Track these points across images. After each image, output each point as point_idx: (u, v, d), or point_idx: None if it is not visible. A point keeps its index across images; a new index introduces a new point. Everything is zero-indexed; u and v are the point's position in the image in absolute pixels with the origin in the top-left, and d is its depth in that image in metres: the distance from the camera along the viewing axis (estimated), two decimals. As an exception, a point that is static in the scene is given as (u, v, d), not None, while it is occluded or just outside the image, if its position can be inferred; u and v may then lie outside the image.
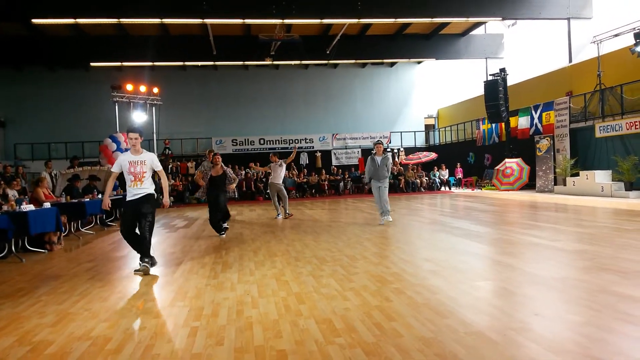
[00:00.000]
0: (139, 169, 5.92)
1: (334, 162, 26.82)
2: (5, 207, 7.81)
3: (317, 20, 20.02)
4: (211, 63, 25.14)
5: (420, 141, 29.62)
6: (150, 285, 5.44)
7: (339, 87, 29.19)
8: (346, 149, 27.54)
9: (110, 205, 6.05)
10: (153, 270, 6.04)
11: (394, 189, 21.74)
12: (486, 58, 26.59)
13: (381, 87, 29.65)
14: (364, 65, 28.96)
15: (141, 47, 22.20)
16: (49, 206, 8.50)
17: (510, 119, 20.76)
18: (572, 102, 18.04)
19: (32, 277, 6.00)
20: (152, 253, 6.09)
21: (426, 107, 30.41)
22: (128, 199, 5.98)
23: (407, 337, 3.35)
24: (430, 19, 20.65)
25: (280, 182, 12.34)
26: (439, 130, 29.75)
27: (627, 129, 15.32)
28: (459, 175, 23.99)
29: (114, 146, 18.29)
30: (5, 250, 7.48)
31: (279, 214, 12.60)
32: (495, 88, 20.27)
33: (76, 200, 10.50)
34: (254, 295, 4.65)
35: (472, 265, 5.74)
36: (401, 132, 28.81)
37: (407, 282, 4.89)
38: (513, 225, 9.25)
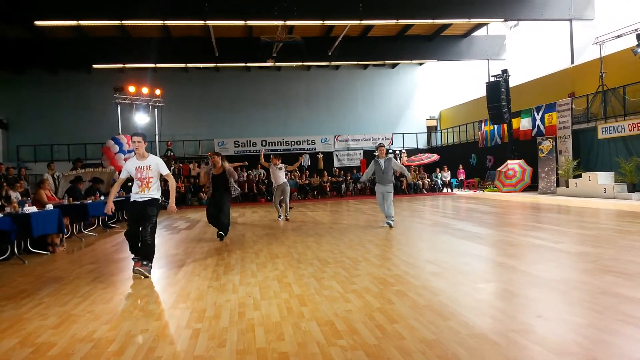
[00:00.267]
0: (145, 174, 5.95)
1: (336, 163, 26.83)
2: (7, 209, 7.84)
3: (319, 22, 20.05)
4: (213, 65, 25.19)
5: (422, 143, 29.60)
6: (152, 287, 5.45)
7: (340, 89, 29.20)
8: (348, 150, 27.54)
9: (113, 209, 6.04)
10: (155, 272, 6.07)
11: (395, 190, 21.69)
12: (488, 59, 26.56)
13: (383, 89, 29.64)
14: (365, 66, 28.97)
15: (143, 49, 22.24)
16: (52, 208, 8.52)
17: (512, 120, 20.74)
18: (574, 104, 18.01)
19: (35, 278, 6.01)
20: (156, 254, 6.17)
21: (428, 109, 30.39)
22: (132, 199, 6.03)
23: (409, 339, 3.35)
24: (432, 20, 20.65)
25: (283, 181, 12.37)
26: (441, 132, 29.72)
27: (630, 130, 15.29)
28: (461, 176, 23.97)
29: (117, 148, 18.33)
30: (8, 252, 7.48)
31: (280, 216, 12.63)
32: (498, 89, 20.26)
33: (78, 202, 10.51)
34: (256, 297, 4.65)
35: (474, 267, 5.73)
36: (403, 133, 28.80)
37: (409, 284, 4.88)
38: (515, 227, 9.24)
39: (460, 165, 24.27)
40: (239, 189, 9.65)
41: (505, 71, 20.60)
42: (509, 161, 20.31)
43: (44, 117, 25.69)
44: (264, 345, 3.33)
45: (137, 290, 5.30)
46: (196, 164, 23.99)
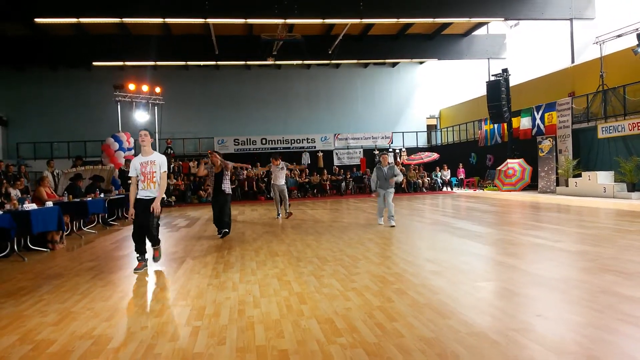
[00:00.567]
0: (148, 169, 6.06)
1: (336, 162, 26.83)
2: (7, 206, 7.84)
3: (320, 20, 20.02)
4: (213, 63, 25.18)
5: (422, 141, 29.60)
6: (152, 284, 5.45)
7: (341, 87, 29.19)
8: (348, 149, 27.53)
9: (133, 215, 6.04)
10: (155, 270, 6.09)
11: (395, 189, 21.68)
12: (488, 58, 26.56)
13: (383, 87, 29.63)
14: (366, 65, 28.96)
15: (143, 47, 22.22)
16: (51, 205, 8.52)
17: (512, 119, 20.75)
18: (574, 103, 18.01)
19: (34, 276, 6.02)
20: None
21: (428, 108, 30.38)
22: (138, 197, 6.10)
23: (409, 337, 3.35)
24: (432, 19, 20.63)
25: (282, 183, 12.43)
26: (441, 131, 29.72)
27: (630, 130, 15.29)
28: (461, 175, 23.97)
29: (117, 145, 18.33)
30: (8, 249, 7.49)
31: (279, 214, 12.65)
32: (498, 88, 20.26)
33: (78, 200, 10.51)
34: (256, 295, 4.65)
35: (474, 265, 5.74)
36: (403, 132, 28.80)
37: (409, 283, 4.88)
38: (515, 226, 9.24)
39: (460, 164, 24.28)
40: (229, 187, 9.51)
41: (505, 70, 20.59)
42: (508, 160, 20.31)
43: (44, 114, 25.69)
44: (264, 343, 3.34)
45: (136, 287, 5.30)
46: (196, 162, 23.99)
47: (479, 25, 24.32)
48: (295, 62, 25.54)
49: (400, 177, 10.05)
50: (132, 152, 19.38)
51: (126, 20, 19.07)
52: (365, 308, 4.07)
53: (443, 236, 8.18)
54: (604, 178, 15.70)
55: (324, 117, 28.77)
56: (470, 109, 26.35)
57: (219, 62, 25.19)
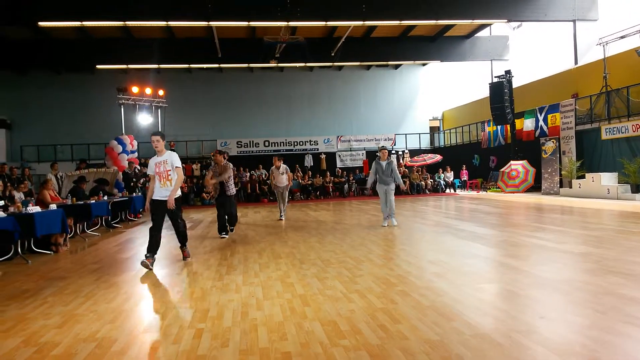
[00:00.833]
0: (162, 169, 6.46)
1: (339, 164, 26.83)
2: (11, 209, 7.86)
3: (322, 23, 20.04)
4: (216, 65, 25.25)
5: (425, 143, 29.58)
6: (155, 286, 5.46)
7: (343, 90, 29.21)
8: (351, 151, 27.54)
9: (149, 208, 6.48)
10: (158, 272, 6.13)
11: (398, 191, 21.67)
12: (491, 60, 26.54)
13: (386, 89, 29.64)
14: (368, 67, 28.97)
15: (147, 50, 22.29)
16: (55, 208, 8.54)
17: (515, 121, 20.71)
18: (578, 104, 17.97)
19: (38, 278, 6.03)
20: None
21: (431, 109, 30.37)
22: (154, 198, 6.49)
23: (413, 339, 3.34)
24: (435, 21, 20.64)
25: (282, 186, 12.43)
26: (443, 133, 29.69)
27: (634, 131, 15.24)
28: (464, 177, 23.94)
29: (120, 148, 18.38)
30: (12, 252, 7.51)
31: (282, 216, 12.70)
32: (501, 90, 20.23)
33: (82, 202, 10.54)
34: (259, 297, 4.66)
35: (477, 267, 5.72)
36: (406, 134, 28.78)
37: (412, 285, 4.88)
38: (518, 228, 9.22)
39: (463, 165, 24.25)
40: (233, 189, 9.66)
41: (508, 72, 20.56)
42: (512, 162, 20.27)
43: (47, 117, 25.79)
44: (267, 345, 3.34)
45: (140, 289, 5.31)
46: (199, 164, 24.05)
47: (482, 27, 24.32)
48: (298, 65, 25.57)
49: (400, 182, 10.08)
50: (136, 154, 19.44)
51: (129, 23, 19.13)
52: (369, 310, 4.06)
53: (446, 238, 8.17)
54: (607, 179, 15.65)
55: (327, 119, 28.80)
56: (473, 111, 26.32)
57: (222, 65, 25.26)
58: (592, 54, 19.31)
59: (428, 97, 29.99)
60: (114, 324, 3.96)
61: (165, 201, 6.38)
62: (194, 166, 24.18)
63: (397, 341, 3.32)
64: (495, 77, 21.94)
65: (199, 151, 26.77)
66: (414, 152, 27.38)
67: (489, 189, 21.75)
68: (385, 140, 27.63)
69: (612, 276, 4.89)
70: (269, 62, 23.12)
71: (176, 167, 6.45)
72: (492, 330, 3.46)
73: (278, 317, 3.97)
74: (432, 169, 24.74)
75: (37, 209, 7.96)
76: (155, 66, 24.24)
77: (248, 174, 22.44)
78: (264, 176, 22.19)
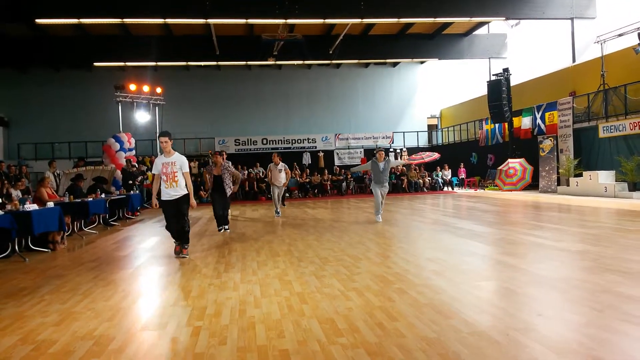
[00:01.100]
0: (170, 169, 6.63)
1: (337, 162, 26.83)
2: (8, 207, 7.84)
3: (320, 20, 20.02)
4: (214, 63, 25.20)
5: (423, 141, 29.60)
6: (153, 284, 5.46)
7: (341, 87, 29.20)
8: (349, 149, 27.54)
9: (157, 205, 6.69)
10: (156, 270, 6.15)
11: (396, 189, 21.73)
12: (489, 58, 26.54)
13: (384, 87, 29.63)
14: (366, 65, 28.95)
15: (144, 47, 22.25)
16: (53, 206, 8.53)
17: (513, 119, 20.72)
18: (575, 102, 17.99)
19: (36, 276, 6.02)
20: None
21: (429, 107, 30.38)
22: (164, 198, 6.76)
23: (410, 337, 3.35)
24: (433, 19, 20.62)
25: (280, 184, 12.43)
26: (441, 130, 29.72)
27: (631, 129, 15.27)
28: (462, 175, 23.95)
29: (117, 146, 18.33)
30: (9, 250, 7.49)
31: (278, 212, 12.73)
32: (499, 88, 20.24)
33: (79, 200, 10.52)
34: (257, 295, 4.66)
35: (475, 265, 5.73)
36: (404, 132, 28.79)
37: (410, 282, 4.88)
38: (516, 226, 9.23)
39: (461, 163, 24.26)
40: (231, 188, 9.82)
41: (506, 70, 20.56)
42: (509, 160, 20.29)
43: (45, 115, 25.74)
44: (265, 343, 3.34)
45: (137, 287, 5.31)
46: (197, 162, 24.00)
47: (480, 24, 24.30)
48: (296, 62, 25.56)
49: (401, 162, 10.44)
50: (133, 152, 19.40)
51: (127, 20, 19.08)
52: (366, 308, 4.06)
53: (444, 236, 8.18)
54: (605, 177, 15.67)
55: (325, 117, 28.79)
56: (471, 109, 26.33)
57: (220, 63, 25.21)
58: (589, 52, 19.33)
59: (426, 95, 30.00)
60: (112, 322, 3.96)
61: (174, 200, 6.65)
62: (192, 164, 24.13)
63: (394, 339, 3.32)
64: (493, 75, 21.94)
65: (196, 149, 26.73)
66: (412, 150, 27.37)
67: (487, 187, 21.77)
68: (384, 138, 27.63)
69: (610, 274, 4.90)
70: (267, 60, 23.10)
71: (184, 172, 6.71)
72: (490, 328, 3.46)
73: (276, 315, 3.97)
74: (430, 167, 24.74)
75: (35, 206, 7.94)
76: (153, 64, 24.18)
77: (246, 172, 22.40)
78: (261, 174, 22.17)
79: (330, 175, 23.41)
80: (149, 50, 22.23)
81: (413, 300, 4.23)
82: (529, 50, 24.27)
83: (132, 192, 14.78)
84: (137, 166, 17.85)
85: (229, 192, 9.71)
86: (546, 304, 4.06)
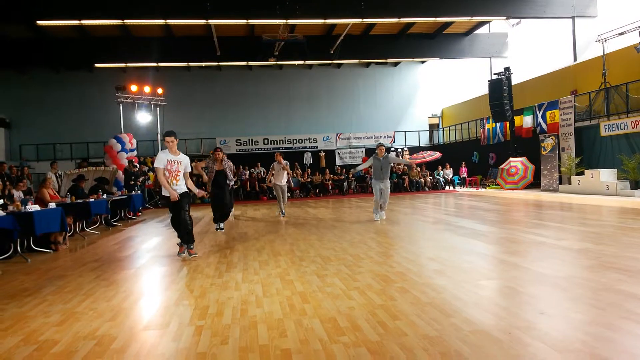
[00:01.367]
0: (174, 168, 6.80)
1: (338, 161, 26.83)
2: (10, 208, 7.85)
3: (321, 20, 20.00)
4: (215, 64, 25.20)
5: (425, 140, 29.58)
6: (155, 284, 5.47)
7: (342, 87, 29.19)
8: (350, 148, 27.53)
9: (178, 197, 6.68)
10: (158, 270, 6.16)
11: (398, 188, 21.73)
12: (490, 57, 26.51)
13: (385, 87, 29.62)
14: (367, 65, 28.94)
15: (145, 48, 22.27)
16: (54, 206, 8.54)
17: (514, 117, 20.71)
18: (577, 101, 17.96)
19: (38, 276, 6.03)
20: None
21: (430, 107, 30.35)
22: (164, 194, 6.93)
23: (412, 335, 3.34)
24: (434, 19, 20.59)
25: (282, 183, 12.43)
26: (443, 130, 29.70)
27: (633, 128, 15.25)
28: (463, 174, 23.95)
29: (119, 147, 18.35)
30: (11, 251, 7.51)
31: (282, 213, 12.70)
32: (500, 87, 20.22)
33: (81, 201, 10.54)
34: (259, 294, 4.66)
35: (476, 264, 5.73)
36: (405, 131, 28.77)
37: (412, 281, 4.88)
38: (518, 224, 9.22)
39: (463, 162, 24.27)
40: (233, 180, 10.06)
41: (507, 69, 20.55)
42: (511, 158, 20.27)
43: (47, 116, 25.77)
44: (267, 342, 3.34)
45: (140, 287, 5.32)
46: (197, 161, 23.99)
47: (481, 24, 24.28)
48: (297, 63, 25.53)
49: (404, 161, 10.43)
50: (135, 153, 19.41)
51: (128, 21, 19.07)
52: (368, 307, 4.06)
53: (446, 235, 8.17)
54: (606, 176, 15.65)
55: (326, 117, 28.79)
56: (473, 108, 26.31)
57: (221, 63, 25.21)
58: (591, 51, 19.30)
59: (427, 94, 29.98)
60: (114, 322, 3.96)
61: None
62: (193, 164, 24.08)
63: (396, 337, 3.32)
64: (494, 74, 21.91)
65: (198, 149, 26.73)
66: (413, 150, 27.36)
67: (488, 185, 21.75)
68: (385, 137, 27.61)
69: (612, 272, 4.89)
70: (267, 60, 23.10)
71: (186, 172, 6.91)
72: (492, 327, 3.46)
73: (278, 314, 3.97)
74: (432, 166, 24.73)
75: (37, 207, 7.95)
76: (154, 64, 24.19)
77: (247, 172, 22.42)
78: (262, 174, 22.18)
79: (331, 175, 23.42)
80: (150, 51, 22.24)
81: (415, 299, 4.23)
82: (530, 49, 24.23)
83: (133, 192, 14.79)
84: (138, 167, 17.86)
85: (231, 184, 9.87)
86: (548, 303, 4.05)
